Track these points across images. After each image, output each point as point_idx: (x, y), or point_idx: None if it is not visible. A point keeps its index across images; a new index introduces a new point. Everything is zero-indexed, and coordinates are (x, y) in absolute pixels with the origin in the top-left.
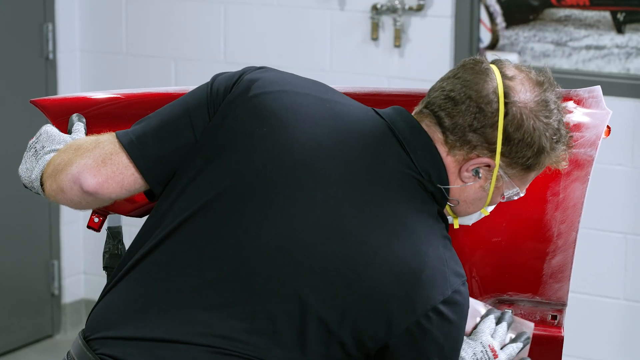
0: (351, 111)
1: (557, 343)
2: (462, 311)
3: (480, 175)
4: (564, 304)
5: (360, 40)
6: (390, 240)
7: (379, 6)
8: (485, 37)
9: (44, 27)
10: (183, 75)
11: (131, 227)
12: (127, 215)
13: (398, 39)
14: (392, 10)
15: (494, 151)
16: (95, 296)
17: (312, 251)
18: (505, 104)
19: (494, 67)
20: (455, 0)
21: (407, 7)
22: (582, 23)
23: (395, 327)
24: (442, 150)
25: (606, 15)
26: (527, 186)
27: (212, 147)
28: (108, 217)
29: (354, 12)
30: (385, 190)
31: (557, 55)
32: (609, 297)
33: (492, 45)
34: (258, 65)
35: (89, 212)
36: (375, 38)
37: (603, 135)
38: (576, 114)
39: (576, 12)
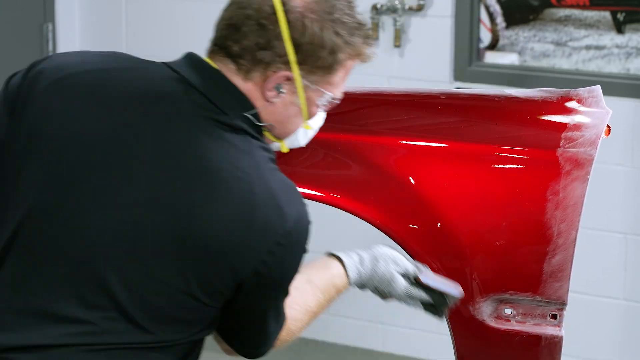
0: (146, 75)
1: (556, 342)
2: (304, 235)
3: (283, 90)
4: (564, 303)
5: None
6: (211, 193)
7: (379, 6)
8: (485, 37)
9: (44, 27)
10: None
11: None
12: None
13: (398, 39)
14: (392, 10)
15: (288, 63)
16: None
17: (142, 228)
18: (285, 12)
19: None
20: (455, 0)
21: (407, 7)
22: (582, 23)
23: (243, 272)
24: (238, 79)
25: (606, 15)
26: (341, 89)
27: (19, 145)
28: None
29: None
30: (191, 144)
31: (557, 55)
32: (609, 297)
33: (492, 45)
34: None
35: None
36: (375, 38)
37: (603, 135)
38: (576, 114)
39: (576, 12)
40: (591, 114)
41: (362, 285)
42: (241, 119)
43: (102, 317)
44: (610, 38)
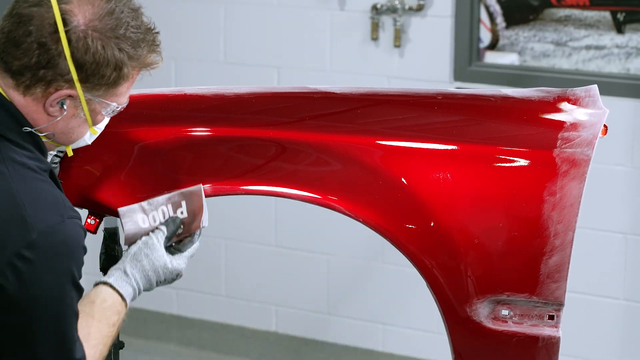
0: None
1: (553, 343)
2: (60, 250)
3: (65, 106)
4: (562, 304)
5: (360, 40)
6: None
7: (379, 6)
8: (485, 37)
9: None
10: (183, 75)
11: None
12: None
13: (398, 39)
14: (392, 10)
15: (71, 81)
16: None
17: None
18: (67, 31)
19: None
20: (455, 0)
21: (407, 7)
22: (582, 23)
23: None
24: (16, 93)
25: (606, 15)
26: (126, 96)
27: None
28: (104, 218)
29: (354, 12)
30: None
31: (557, 55)
32: (609, 297)
33: (492, 45)
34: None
35: (85, 213)
36: (375, 38)
37: (600, 134)
38: (573, 114)
39: (576, 12)
40: (588, 114)
41: (150, 288)
42: (5, 128)
43: None
44: (610, 38)
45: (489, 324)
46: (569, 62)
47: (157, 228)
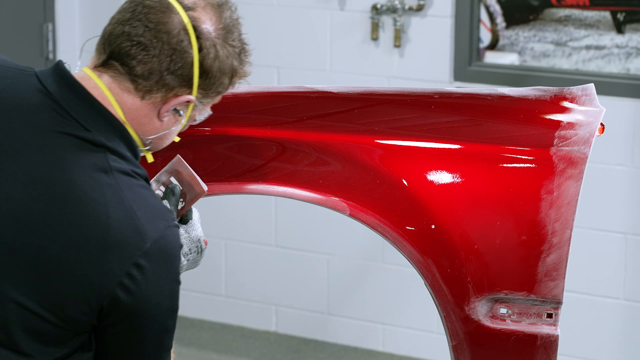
0: (11, 85)
1: (552, 342)
2: (170, 258)
3: (181, 112)
4: (560, 302)
5: (360, 40)
6: (64, 212)
7: (379, 6)
8: (485, 37)
9: (44, 27)
10: None
11: None
12: None
13: (398, 39)
14: (392, 10)
15: (192, 87)
16: None
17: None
18: (198, 38)
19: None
20: (455, 0)
21: (407, 7)
22: (582, 23)
23: (100, 297)
24: (132, 97)
25: (606, 15)
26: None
27: None
28: None
29: (354, 12)
30: (47, 163)
31: (557, 55)
32: (609, 297)
33: (492, 45)
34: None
35: None
36: (375, 38)
37: (597, 133)
38: (570, 112)
39: (576, 12)
40: (585, 113)
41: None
42: (105, 137)
43: None
44: (610, 38)
45: (488, 322)
46: (569, 62)
47: None
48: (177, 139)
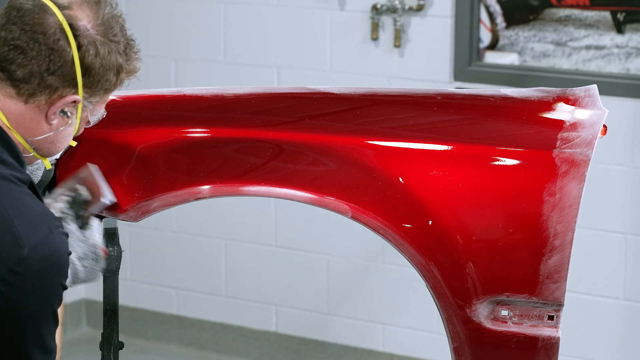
0: None
1: (553, 344)
2: (51, 264)
3: (68, 114)
4: (561, 305)
5: (360, 40)
6: None
7: (379, 6)
8: (485, 37)
9: None
10: (183, 76)
11: (130, 227)
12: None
13: (398, 39)
14: (392, 10)
15: (76, 86)
16: (95, 296)
17: None
18: (75, 36)
19: (45, 0)
20: (455, 0)
21: (407, 7)
22: (582, 23)
23: None
24: (15, 102)
25: (606, 15)
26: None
27: None
28: (104, 219)
29: (354, 12)
30: None
31: (557, 55)
32: (609, 297)
33: (492, 45)
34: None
35: None
36: (375, 38)
37: (599, 134)
38: (572, 114)
39: (576, 12)
40: (587, 114)
41: (75, 273)
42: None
43: None
44: (610, 38)
45: (489, 324)
46: (569, 62)
47: (63, 213)
48: (74, 143)
